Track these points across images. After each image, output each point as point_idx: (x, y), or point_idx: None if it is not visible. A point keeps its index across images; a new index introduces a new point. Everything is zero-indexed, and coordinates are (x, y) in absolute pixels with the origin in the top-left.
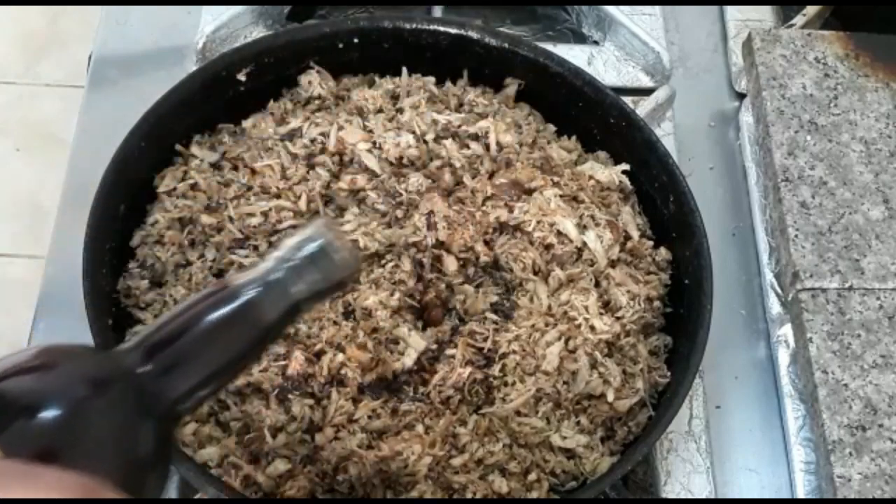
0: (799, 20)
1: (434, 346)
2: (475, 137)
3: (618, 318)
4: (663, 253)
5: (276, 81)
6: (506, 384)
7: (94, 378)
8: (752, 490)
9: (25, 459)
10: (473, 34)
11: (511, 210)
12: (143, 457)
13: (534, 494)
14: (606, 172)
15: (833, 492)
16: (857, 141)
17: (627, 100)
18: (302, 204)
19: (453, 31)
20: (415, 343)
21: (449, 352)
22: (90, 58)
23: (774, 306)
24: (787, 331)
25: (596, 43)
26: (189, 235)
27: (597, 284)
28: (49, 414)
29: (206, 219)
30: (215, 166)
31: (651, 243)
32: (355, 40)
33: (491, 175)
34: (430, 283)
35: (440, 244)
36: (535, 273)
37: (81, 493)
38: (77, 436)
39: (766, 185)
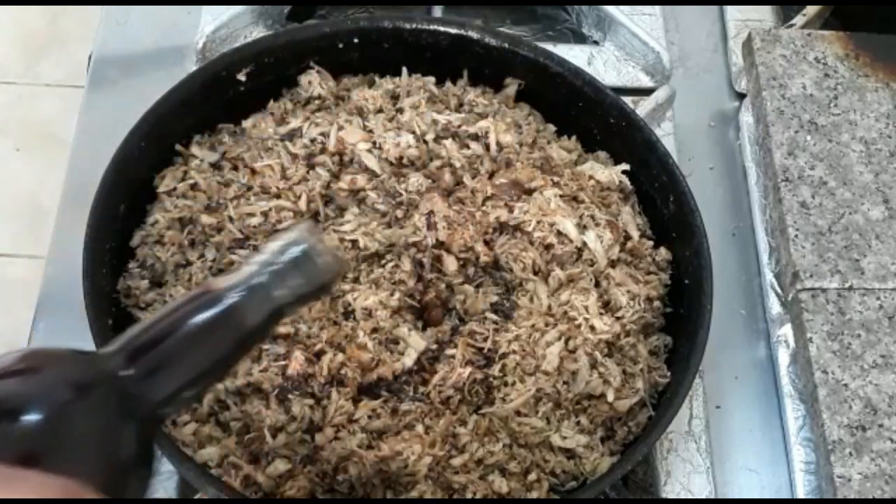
0: (799, 20)
1: (434, 346)
2: (475, 137)
3: (618, 318)
4: (663, 253)
5: (276, 81)
6: (506, 384)
7: (76, 382)
8: (752, 490)
9: (8, 463)
10: (473, 34)
11: (511, 210)
12: (125, 460)
13: (534, 494)
14: (606, 172)
15: (833, 492)
16: (857, 141)
17: (627, 100)
18: (302, 204)
19: (453, 31)
20: (415, 343)
21: (449, 352)
22: (90, 58)
23: (774, 306)
24: (787, 331)
25: (596, 43)
26: (189, 235)
27: (597, 284)
28: (32, 418)
29: (206, 219)
30: (215, 166)
31: (651, 243)
32: (355, 40)
33: (491, 175)
34: (430, 283)
35: (440, 244)
36: (535, 273)
37: (64, 495)
38: (59, 439)
39: (766, 185)
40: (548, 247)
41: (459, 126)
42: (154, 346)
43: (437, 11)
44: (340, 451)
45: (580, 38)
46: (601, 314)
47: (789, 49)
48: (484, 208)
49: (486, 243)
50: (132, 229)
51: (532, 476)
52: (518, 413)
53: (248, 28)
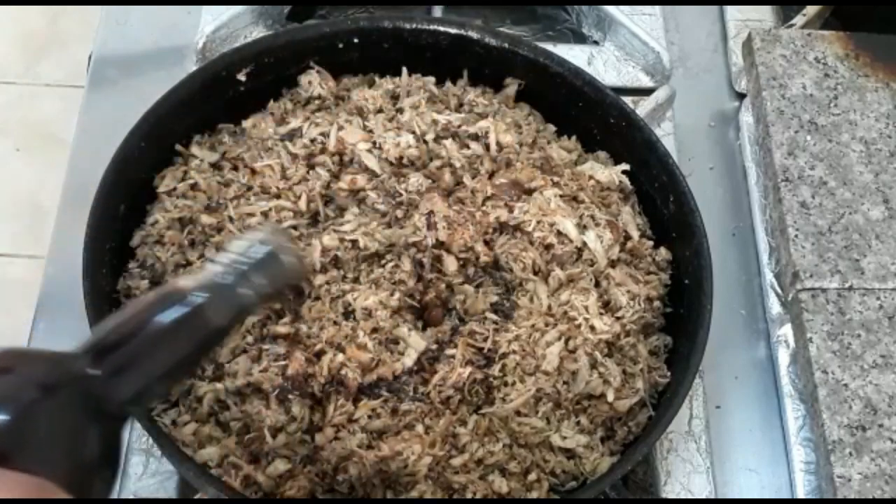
0: (799, 20)
1: (434, 346)
2: (475, 137)
3: (618, 318)
4: (663, 253)
5: (276, 81)
6: (506, 384)
7: (43, 383)
8: (752, 490)
9: None
10: (473, 34)
11: (511, 210)
12: (90, 459)
13: (534, 494)
14: (606, 172)
15: (833, 492)
16: (857, 141)
17: (627, 100)
18: (302, 204)
19: (453, 31)
20: (415, 343)
21: (449, 352)
22: (90, 58)
23: (774, 306)
24: (787, 331)
25: (596, 43)
26: (189, 235)
27: (597, 284)
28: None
29: (206, 219)
30: (215, 166)
31: (651, 243)
32: (355, 40)
33: (491, 175)
34: (430, 283)
35: (440, 244)
36: (535, 273)
37: (31, 493)
38: (26, 438)
39: (766, 185)
40: (548, 247)
41: (459, 126)
42: (120, 346)
43: (437, 11)
44: (340, 451)
45: (580, 38)
46: (601, 314)
47: (789, 49)
48: (484, 208)
49: (486, 243)
50: (132, 229)
51: (532, 476)
52: (518, 413)
53: (248, 28)
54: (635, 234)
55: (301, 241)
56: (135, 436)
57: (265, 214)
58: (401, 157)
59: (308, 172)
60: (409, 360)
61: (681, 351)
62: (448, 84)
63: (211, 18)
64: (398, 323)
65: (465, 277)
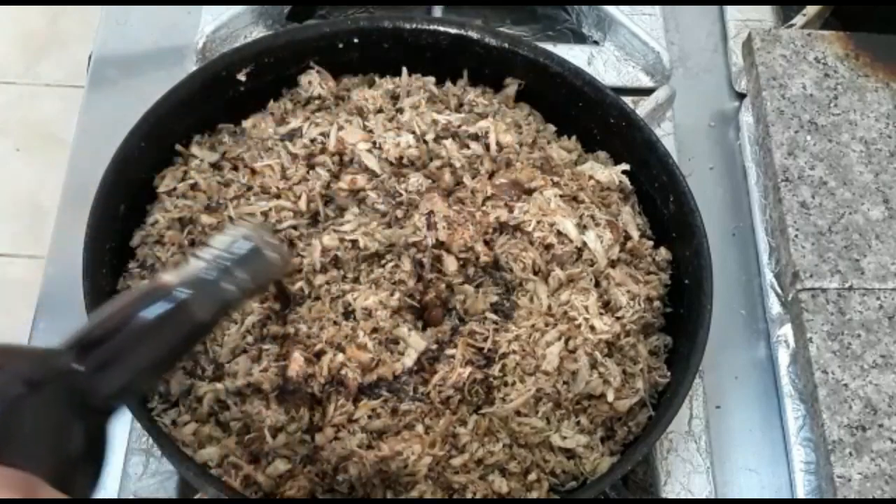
0: (799, 20)
1: (434, 346)
2: (475, 137)
3: (618, 318)
4: (663, 253)
5: (276, 81)
6: (506, 384)
7: (29, 378)
8: (752, 490)
9: None
10: (473, 34)
11: (511, 210)
12: (75, 454)
13: (534, 494)
14: (606, 172)
15: (833, 492)
16: (857, 141)
17: (627, 100)
18: (302, 204)
19: (453, 31)
20: (415, 343)
21: (449, 352)
22: (90, 58)
23: (774, 306)
24: (787, 331)
25: (596, 43)
26: (189, 235)
27: (597, 284)
28: None
29: (206, 219)
30: (215, 166)
31: (651, 243)
32: (355, 40)
33: (491, 175)
34: (430, 283)
35: (440, 244)
36: (535, 273)
37: (23, 487)
38: (12, 433)
39: (766, 185)
40: (548, 247)
41: (459, 126)
42: (105, 342)
43: (437, 11)
44: (340, 451)
45: (580, 38)
46: (601, 314)
47: (789, 49)
48: (484, 208)
49: (486, 243)
50: (132, 229)
51: (532, 476)
52: (518, 413)
53: (248, 28)
54: (635, 234)
55: (301, 241)
56: (135, 436)
57: (265, 214)
58: (401, 157)
59: (308, 172)
60: (409, 360)
61: (681, 351)
62: (448, 84)
63: (211, 18)
64: (398, 323)
65: (465, 277)
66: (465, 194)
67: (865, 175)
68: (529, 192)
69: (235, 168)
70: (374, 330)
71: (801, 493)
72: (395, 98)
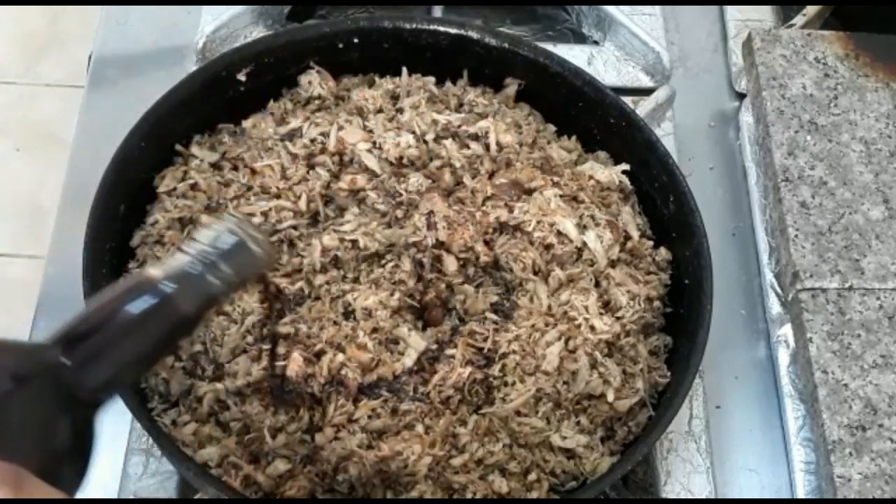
0: (799, 20)
1: (434, 346)
2: (475, 137)
3: (618, 318)
4: (663, 253)
5: (276, 81)
6: (506, 384)
7: (16, 373)
8: (752, 490)
9: None
10: (473, 34)
11: (511, 210)
12: (62, 448)
13: (534, 494)
14: (606, 172)
15: (833, 492)
16: (857, 141)
17: (627, 100)
18: (302, 204)
19: (453, 31)
20: (415, 343)
21: (449, 352)
22: (90, 58)
23: (774, 306)
24: (787, 331)
25: (596, 43)
26: (189, 235)
27: (597, 284)
28: None
29: (206, 219)
30: (215, 166)
31: (651, 243)
32: (355, 40)
33: (491, 175)
34: (430, 283)
35: (440, 244)
36: (535, 273)
37: (13, 479)
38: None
39: (766, 185)
40: (548, 247)
41: (459, 126)
42: (91, 336)
43: (437, 11)
44: (340, 451)
45: (580, 38)
46: (601, 314)
47: (789, 49)
48: (484, 208)
49: (486, 243)
50: (132, 229)
51: (532, 476)
52: (518, 413)
53: (248, 28)
54: (635, 234)
55: (301, 241)
56: (135, 436)
57: (265, 214)
58: (401, 157)
59: (308, 172)
60: (409, 360)
61: (681, 351)
62: (448, 84)
63: (211, 18)
64: (398, 323)
65: (465, 277)
66: (465, 194)
67: (865, 175)
68: (529, 192)
69: (235, 168)
70: (374, 330)
71: (801, 493)
72: (395, 98)
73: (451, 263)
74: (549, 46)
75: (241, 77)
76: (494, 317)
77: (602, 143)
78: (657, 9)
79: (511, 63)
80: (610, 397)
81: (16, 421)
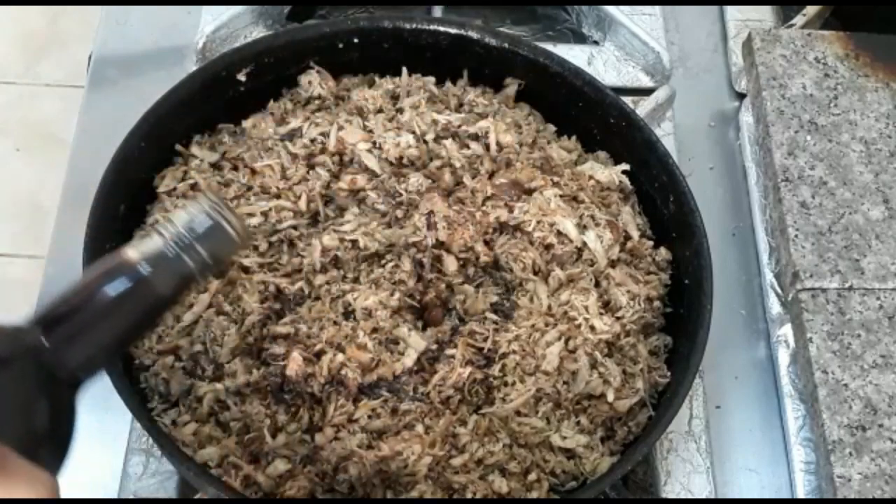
0: (799, 20)
1: (434, 346)
2: (475, 137)
3: (618, 318)
4: (663, 253)
5: (276, 81)
6: (506, 384)
7: None
8: (752, 490)
9: None
10: (473, 34)
11: (511, 210)
12: (42, 428)
13: (534, 494)
14: (606, 172)
15: (833, 492)
16: (857, 141)
17: (627, 100)
18: (302, 204)
19: (453, 31)
20: (415, 343)
21: (449, 352)
22: (90, 58)
23: (774, 306)
24: (787, 331)
25: (596, 43)
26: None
27: (597, 284)
28: None
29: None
30: (215, 166)
31: (651, 243)
32: (355, 40)
33: (491, 175)
34: (430, 283)
35: (440, 244)
36: (535, 273)
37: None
38: None
39: (766, 185)
40: (548, 247)
41: (459, 126)
42: (70, 317)
43: (437, 11)
44: (340, 451)
45: (580, 38)
46: (601, 314)
47: (789, 49)
48: (484, 208)
49: (486, 243)
50: (132, 229)
51: (532, 476)
52: (518, 413)
53: (248, 28)
54: (635, 234)
55: (301, 241)
56: (135, 436)
57: (265, 214)
58: (401, 157)
59: (308, 172)
60: (409, 360)
61: (681, 351)
62: (448, 84)
63: (211, 18)
64: (398, 323)
65: (465, 277)
66: (465, 194)
67: (865, 175)
68: (529, 192)
69: (235, 168)
70: (374, 330)
71: (801, 493)
72: (395, 98)
73: (451, 263)
74: (549, 46)
75: (241, 77)
76: (494, 317)
77: (602, 143)
78: (657, 9)
79: (511, 63)
80: (610, 397)
81: None
